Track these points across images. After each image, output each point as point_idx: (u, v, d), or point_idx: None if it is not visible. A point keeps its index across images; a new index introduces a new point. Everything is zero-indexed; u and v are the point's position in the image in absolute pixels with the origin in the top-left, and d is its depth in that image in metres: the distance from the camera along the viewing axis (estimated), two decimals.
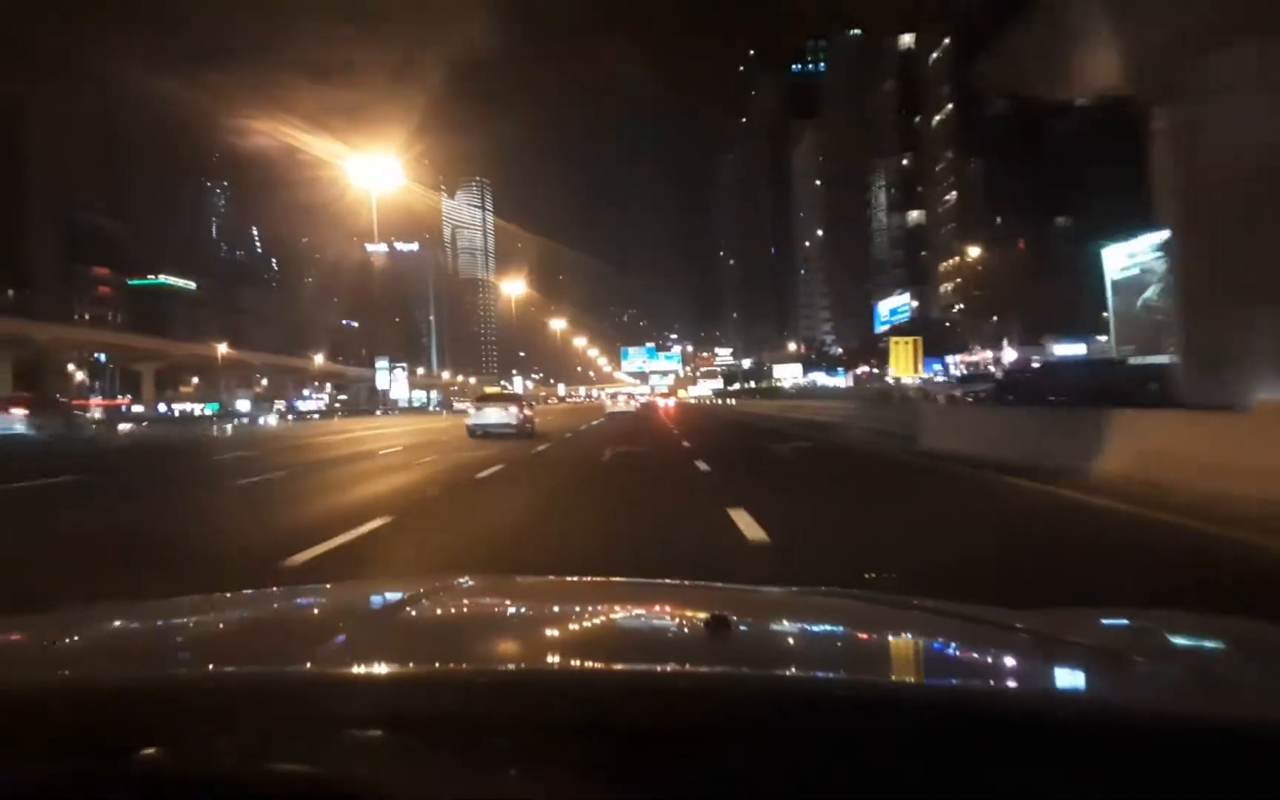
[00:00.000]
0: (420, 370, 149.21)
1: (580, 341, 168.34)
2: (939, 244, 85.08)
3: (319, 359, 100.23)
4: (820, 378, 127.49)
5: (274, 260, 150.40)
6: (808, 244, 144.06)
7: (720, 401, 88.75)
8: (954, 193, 79.19)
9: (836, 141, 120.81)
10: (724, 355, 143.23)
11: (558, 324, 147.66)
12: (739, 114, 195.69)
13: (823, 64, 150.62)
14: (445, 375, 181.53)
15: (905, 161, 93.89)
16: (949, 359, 79.41)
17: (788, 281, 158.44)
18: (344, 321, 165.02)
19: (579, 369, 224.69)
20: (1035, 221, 63.16)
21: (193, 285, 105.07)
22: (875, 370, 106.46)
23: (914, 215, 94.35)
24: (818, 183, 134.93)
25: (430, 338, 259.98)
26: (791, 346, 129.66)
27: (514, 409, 25.51)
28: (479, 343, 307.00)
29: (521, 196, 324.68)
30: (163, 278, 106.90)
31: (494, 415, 24.93)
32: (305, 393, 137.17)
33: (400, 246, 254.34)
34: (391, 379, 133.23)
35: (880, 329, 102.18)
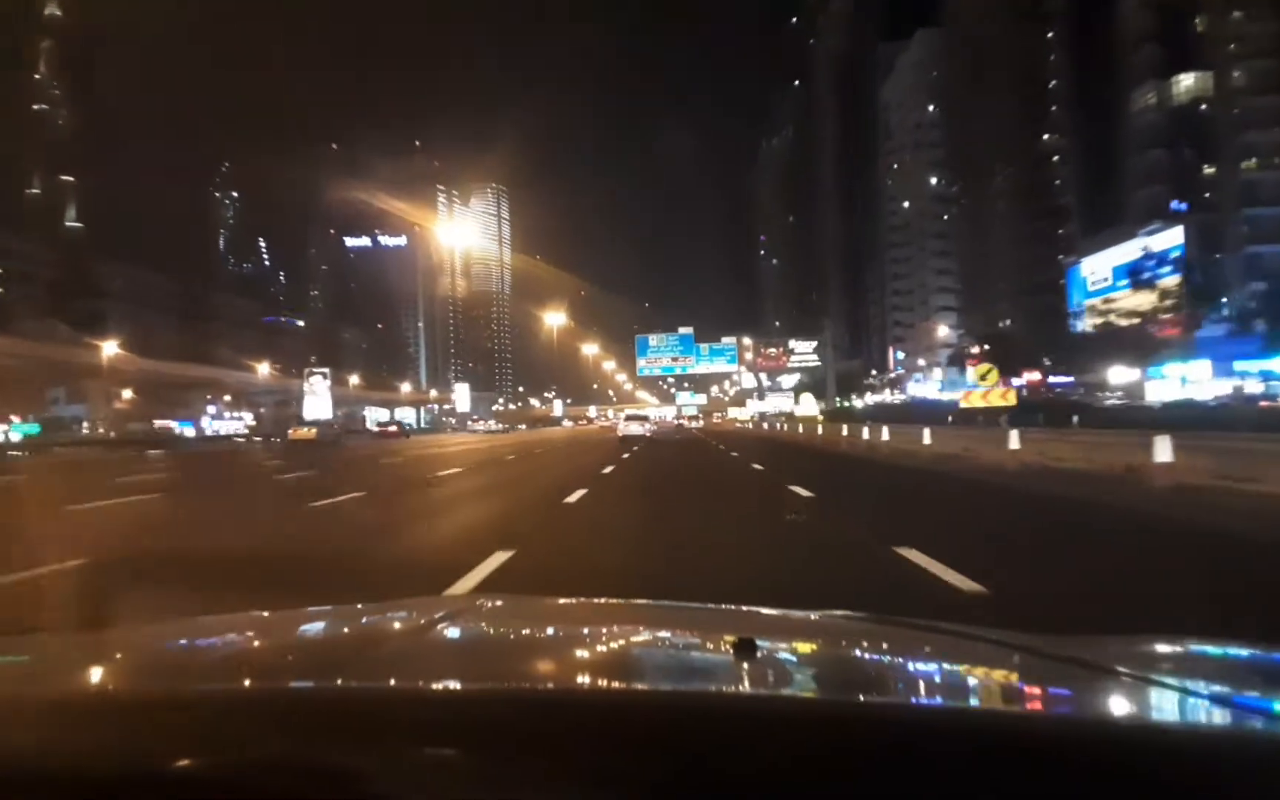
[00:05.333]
0: (349, 381, 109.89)
1: (591, 349, 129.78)
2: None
3: (111, 348, 60.20)
4: (926, 388, 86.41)
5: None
6: (906, 205, 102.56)
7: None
8: None
9: (970, 30, 79.71)
10: (803, 351, 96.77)
11: (556, 322, 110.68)
12: (790, 77, 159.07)
13: None
14: (406, 387, 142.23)
15: None
16: None
17: (868, 266, 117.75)
18: (280, 318, 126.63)
19: (595, 386, 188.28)
20: None
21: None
22: (1062, 378, 65.51)
23: (1187, 82, 51.42)
24: (930, 108, 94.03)
25: (419, 348, 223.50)
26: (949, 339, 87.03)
27: (669, 419, 67.95)
28: (492, 357, 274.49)
29: (543, 212, 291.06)
30: None
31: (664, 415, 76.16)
32: (211, 410, 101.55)
33: (385, 241, 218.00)
34: (310, 389, 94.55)
35: (1087, 300, 60.57)
